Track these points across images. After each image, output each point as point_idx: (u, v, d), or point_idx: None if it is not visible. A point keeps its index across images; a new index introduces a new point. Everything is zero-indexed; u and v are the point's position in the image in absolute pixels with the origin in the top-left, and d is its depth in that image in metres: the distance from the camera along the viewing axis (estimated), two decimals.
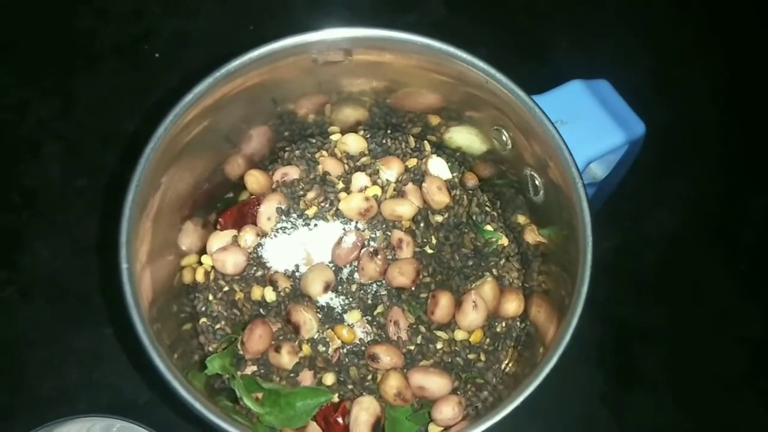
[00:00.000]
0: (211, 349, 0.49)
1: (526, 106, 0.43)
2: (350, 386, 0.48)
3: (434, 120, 0.51)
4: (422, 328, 0.49)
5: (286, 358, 0.48)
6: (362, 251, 0.50)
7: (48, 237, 0.64)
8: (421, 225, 0.52)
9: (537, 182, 0.46)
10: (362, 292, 0.50)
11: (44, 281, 0.63)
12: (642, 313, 0.63)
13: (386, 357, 0.47)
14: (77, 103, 0.68)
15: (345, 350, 0.49)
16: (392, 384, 0.46)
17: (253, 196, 0.51)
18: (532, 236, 0.50)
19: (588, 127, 0.47)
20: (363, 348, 0.49)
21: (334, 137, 0.54)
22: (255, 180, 0.52)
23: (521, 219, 0.51)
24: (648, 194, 0.65)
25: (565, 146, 0.42)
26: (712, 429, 0.60)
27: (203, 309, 0.51)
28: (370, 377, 0.48)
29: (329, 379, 0.48)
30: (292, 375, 0.48)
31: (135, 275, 0.40)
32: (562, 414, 0.59)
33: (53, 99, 0.68)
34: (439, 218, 0.52)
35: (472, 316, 0.48)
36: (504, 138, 0.47)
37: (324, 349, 0.49)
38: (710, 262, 0.65)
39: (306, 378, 0.48)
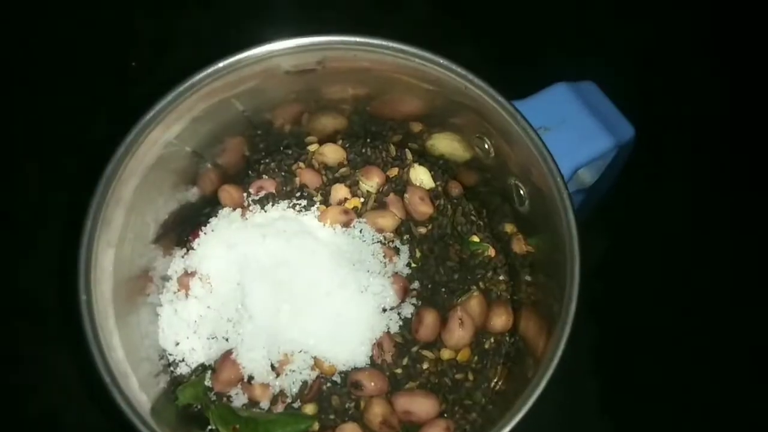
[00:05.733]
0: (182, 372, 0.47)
1: (507, 113, 0.41)
2: (332, 415, 0.47)
3: (416, 127, 0.50)
4: (409, 349, 0.48)
5: (258, 390, 0.46)
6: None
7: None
8: (405, 237, 0.50)
9: (522, 192, 0.45)
10: None
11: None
12: (638, 317, 0.62)
13: (370, 383, 0.45)
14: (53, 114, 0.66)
15: (324, 380, 0.47)
16: (377, 411, 0.45)
17: None
18: (519, 246, 0.48)
19: (574, 132, 0.46)
20: (344, 375, 0.47)
21: (311, 148, 0.53)
22: (228, 195, 0.50)
23: (508, 228, 0.49)
24: (640, 197, 0.64)
25: (548, 154, 0.40)
26: None
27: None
28: (352, 405, 0.47)
29: (310, 409, 0.47)
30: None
31: (94, 307, 0.39)
32: (560, 423, 0.57)
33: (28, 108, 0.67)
34: (422, 230, 0.51)
35: (459, 333, 0.47)
36: (486, 146, 0.46)
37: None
38: (706, 264, 0.63)
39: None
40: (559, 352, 0.38)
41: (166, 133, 0.43)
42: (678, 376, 0.60)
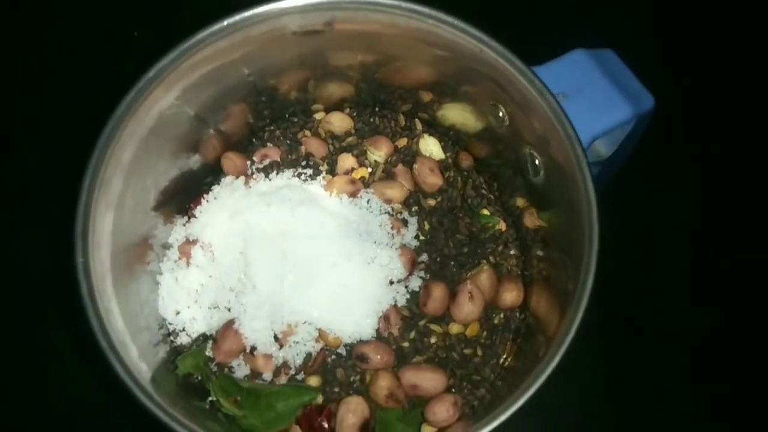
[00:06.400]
0: (182, 342, 0.47)
1: (525, 78, 0.40)
2: (336, 388, 0.46)
3: (426, 96, 0.49)
4: (416, 322, 0.47)
5: (261, 361, 0.45)
6: None
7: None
8: (413, 209, 0.49)
9: (537, 162, 0.44)
10: None
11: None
12: (650, 301, 0.60)
13: (376, 356, 0.45)
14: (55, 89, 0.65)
15: (329, 352, 0.47)
16: (383, 385, 0.44)
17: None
18: (531, 220, 0.48)
19: (592, 100, 0.45)
20: (349, 347, 0.47)
21: (317, 116, 0.52)
22: (231, 163, 0.50)
23: (520, 202, 0.49)
24: (656, 173, 0.62)
25: (568, 122, 0.39)
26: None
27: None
28: (357, 378, 0.46)
29: (313, 381, 0.46)
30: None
31: (92, 271, 0.38)
32: (563, 408, 0.56)
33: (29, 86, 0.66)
34: (431, 202, 0.50)
35: (468, 307, 0.46)
36: (501, 114, 0.45)
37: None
38: (723, 245, 0.62)
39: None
40: (573, 330, 0.38)
41: (167, 93, 0.42)
42: (687, 362, 0.59)
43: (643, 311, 0.60)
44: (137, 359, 0.39)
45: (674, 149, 0.63)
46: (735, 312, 0.60)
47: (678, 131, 0.62)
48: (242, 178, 0.49)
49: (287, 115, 0.51)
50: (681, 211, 0.62)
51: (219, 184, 0.49)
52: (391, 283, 0.47)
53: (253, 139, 0.51)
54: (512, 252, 0.49)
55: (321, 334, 0.46)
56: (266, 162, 0.50)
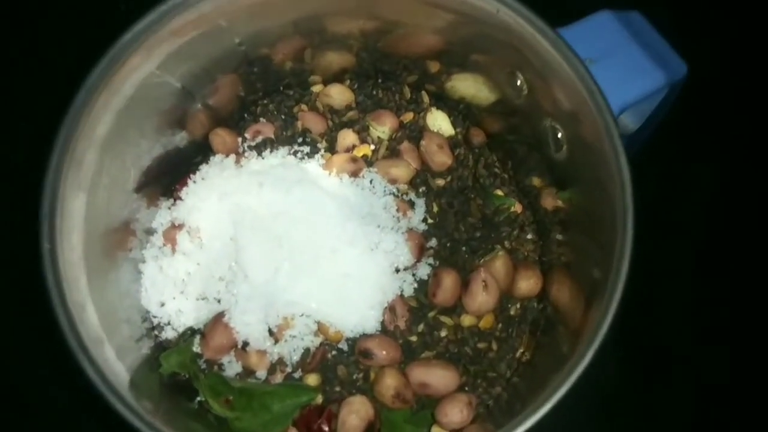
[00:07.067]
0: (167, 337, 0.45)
1: (548, 41, 0.38)
2: (337, 387, 0.45)
3: (433, 66, 0.48)
4: (425, 314, 0.46)
5: (254, 358, 0.43)
6: None
7: None
8: (420, 190, 0.48)
9: (559, 135, 0.42)
10: None
11: None
12: (673, 288, 0.58)
13: (381, 352, 0.43)
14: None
15: (329, 347, 0.45)
16: (389, 383, 0.43)
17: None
18: (550, 201, 0.46)
19: (622, 66, 0.43)
20: (351, 342, 0.45)
21: (315, 88, 0.50)
22: (221, 140, 0.48)
23: (536, 181, 0.47)
24: (683, 151, 0.60)
25: (597, 88, 0.37)
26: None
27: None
28: (361, 376, 0.45)
29: (312, 380, 0.44)
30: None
31: (59, 258, 0.35)
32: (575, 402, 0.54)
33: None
34: (440, 182, 0.49)
35: (482, 297, 0.44)
36: (518, 83, 0.43)
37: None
38: (755, 230, 0.59)
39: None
40: (607, 323, 0.35)
41: (147, 61, 0.40)
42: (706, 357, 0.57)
43: (669, 299, 0.58)
44: (114, 358, 0.37)
45: (705, 124, 0.60)
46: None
47: (709, 103, 0.59)
48: (233, 157, 0.48)
49: (282, 88, 0.50)
50: (713, 191, 0.60)
51: (207, 163, 0.48)
52: (397, 270, 0.46)
53: (245, 114, 0.50)
54: (529, 236, 0.48)
55: (320, 328, 0.45)
56: (259, 139, 0.49)
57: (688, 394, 0.57)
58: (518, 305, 0.47)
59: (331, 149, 0.48)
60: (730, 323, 0.58)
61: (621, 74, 0.42)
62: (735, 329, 0.57)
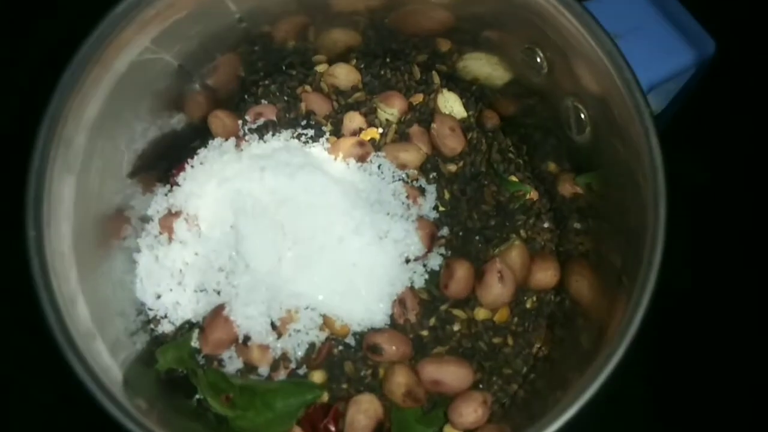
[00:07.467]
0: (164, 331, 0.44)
1: (572, 13, 0.37)
2: (344, 385, 0.44)
3: (444, 45, 0.47)
4: (437, 307, 0.45)
5: (256, 353, 0.42)
6: None
7: None
8: (431, 176, 0.47)
9: (582, 116, 0.40)
10: None
11: None
12: (697, 283, 0.56)
13: (390, 347, 0.42)
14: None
15: (335, 342, 0.44)
16: (399, 381, 0.42)
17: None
18: (568, 187, 0.45)
19: (649, 42, 0.42)
20: (358, 337, 0.44)
21: (319, 68, 0.50)
22: (220, 123, 0.47)
23: (553, 167, 0.47)
24: (708, 135, 0.58)
25: (625, 64, 0.36)
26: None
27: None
28: (369, 372, 0.44)
29: (318, 376, 0.43)
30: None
31: (47, 246, 0.34)
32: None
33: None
34: (452, 167, 0.48)
35: (498, 289, 0.43)
36: (538, 60, 0.41)
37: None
38: None
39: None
40: (639, 317, 0.33)
41: (141, 35, 0.39)
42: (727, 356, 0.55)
43: (695, 291, 0.56)
44: (106, 354, 0.36)
45: (731, 107, 0.58)
46: None
47: (738, 82, 0.57)
48: (233, 140, 0.47)
49: (284, 68, 0.49)
50: (740, 180, 0.58)
51: (206, 147, 0.47)
52: (407, 261, 0.45)
53: (245, 96, 0.49)
54: (546, 224, 0.47)
55: (326, 322, 0.44)
56: (260, 121, 0.48)
57: (700, 391, 0.55)
58: (534, 298, 0.46)
59: (337, 132, 0.48)
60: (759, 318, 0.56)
61: (647, 52, 0.41)
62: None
